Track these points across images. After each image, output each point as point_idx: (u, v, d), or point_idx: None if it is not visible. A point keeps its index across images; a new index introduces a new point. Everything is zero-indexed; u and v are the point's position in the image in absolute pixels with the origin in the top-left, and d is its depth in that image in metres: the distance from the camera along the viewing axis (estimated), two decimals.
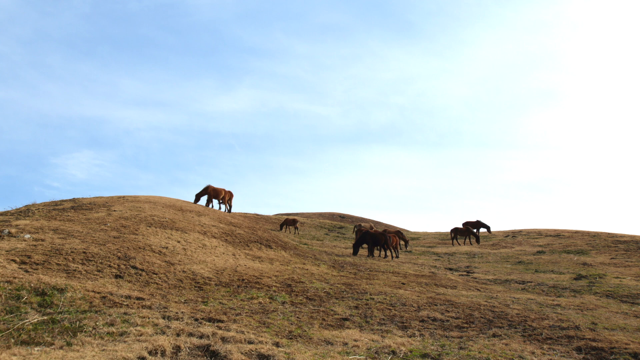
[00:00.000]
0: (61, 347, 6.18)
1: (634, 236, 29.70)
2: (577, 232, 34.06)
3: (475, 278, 17.20)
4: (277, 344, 6.99)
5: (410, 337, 8.23)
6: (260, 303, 10.03)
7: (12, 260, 10.24)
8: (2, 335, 6.43)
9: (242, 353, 6.31)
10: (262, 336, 7.36)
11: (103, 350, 6.07)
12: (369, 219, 58.54)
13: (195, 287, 10.97)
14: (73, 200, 19.83)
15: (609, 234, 31.87)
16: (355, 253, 22.05)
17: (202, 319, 8.12)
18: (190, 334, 7.01)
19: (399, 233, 28.14)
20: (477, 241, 31.27)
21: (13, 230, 12.65)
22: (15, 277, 8.75)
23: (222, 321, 8.12)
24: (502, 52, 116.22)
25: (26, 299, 7.91)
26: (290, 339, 7.56)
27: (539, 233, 35.38)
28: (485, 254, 26.40)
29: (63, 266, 10.44)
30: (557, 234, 33.75)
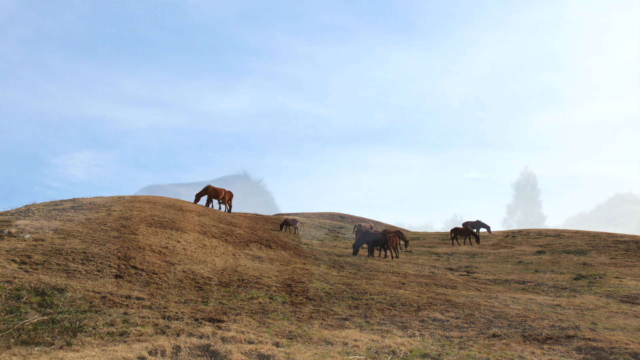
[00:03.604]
0: (61, 347, 6.19)
1: (634, 236, 29.66)
2: (577, 232, 34.03)
3: (475, 278, 17.20)
4: (277, 344, 7.00)
5: (410, 337, 8.23)
6: (260, 303, 10.03)
7: (12, 260, 10.25)
8: (2, 335, 6.44)
9: (242, 353, 6.31)
10: (262, 336, 7.36)
11: (103, 350, 6.07)
12: (369, 219, 58.44)
13: (195, 287, 10.98)
14: (73, 200, 19.82)
15: (609, 234, 31.84)
16: (355, 253, 22.04)
17: (202, 319, 8.13)
18: (190, 334, 7.01)
19: (399, 233, 28.10)
20: (477, 241, 31.27)
21: (13, 230, 12.65)
22: (15, 277, 8.76)
23: (222, 321, 8.12)
24: (503, 52, 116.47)
25: (26, 299, 7.91)
26: (290, 339, 7.56)
27: (539, 233, 35.35)
28: (485, 254, 26.39)
29: (63, 266, 10.44)
30: (557, 234, 33.73)
